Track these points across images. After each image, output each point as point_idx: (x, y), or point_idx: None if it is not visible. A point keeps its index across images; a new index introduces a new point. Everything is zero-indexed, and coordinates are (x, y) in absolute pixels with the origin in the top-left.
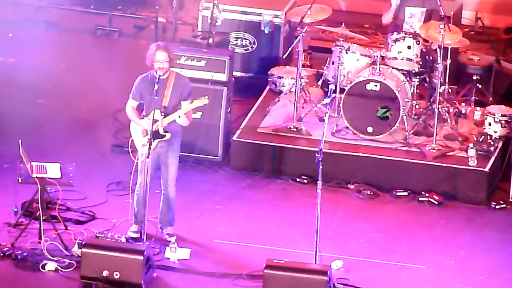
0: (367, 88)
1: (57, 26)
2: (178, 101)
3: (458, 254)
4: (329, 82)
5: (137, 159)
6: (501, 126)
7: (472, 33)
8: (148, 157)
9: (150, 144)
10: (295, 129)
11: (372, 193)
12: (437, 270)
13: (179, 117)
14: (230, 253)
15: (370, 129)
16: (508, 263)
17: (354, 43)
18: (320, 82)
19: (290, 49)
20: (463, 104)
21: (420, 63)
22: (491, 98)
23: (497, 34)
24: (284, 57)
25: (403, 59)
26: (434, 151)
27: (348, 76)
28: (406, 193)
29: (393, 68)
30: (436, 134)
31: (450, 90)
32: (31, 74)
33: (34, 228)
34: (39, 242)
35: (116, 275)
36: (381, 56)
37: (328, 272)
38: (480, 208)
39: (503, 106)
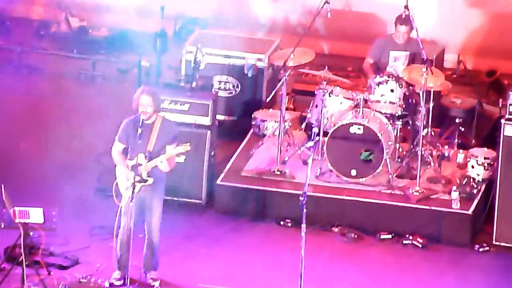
0: (351, 131)
1: (40, 70)
2: (163, 146)
3: None
4: (313, 125)
5: (121, 203)
6: (484, 169)
7: (455, 76)
8: (131, 200)
9: (134, 188)
10: (278, 172)
11: (356, 236)
12: None
13: (161, 162)
14: None
15: (353, 172)
16: None
17: (337, 86)
18: (303, 125)
19: (273, 92)
20: (446, 146)
21: (403, 106)
22: (473, 141)
23: (479, 77)
24: (267, 100)
25: (386, 102)
26: (418, 194)
27: (331, 119)
28: (390, 236)
29: (376, 111)
30: (420, 177)
31: (433, 133)
32: (13, 118)
33: (17, 274)
34: None
35: None
36: (364, 99)
37: None
38: (464, 251)
39: (485, 148)
